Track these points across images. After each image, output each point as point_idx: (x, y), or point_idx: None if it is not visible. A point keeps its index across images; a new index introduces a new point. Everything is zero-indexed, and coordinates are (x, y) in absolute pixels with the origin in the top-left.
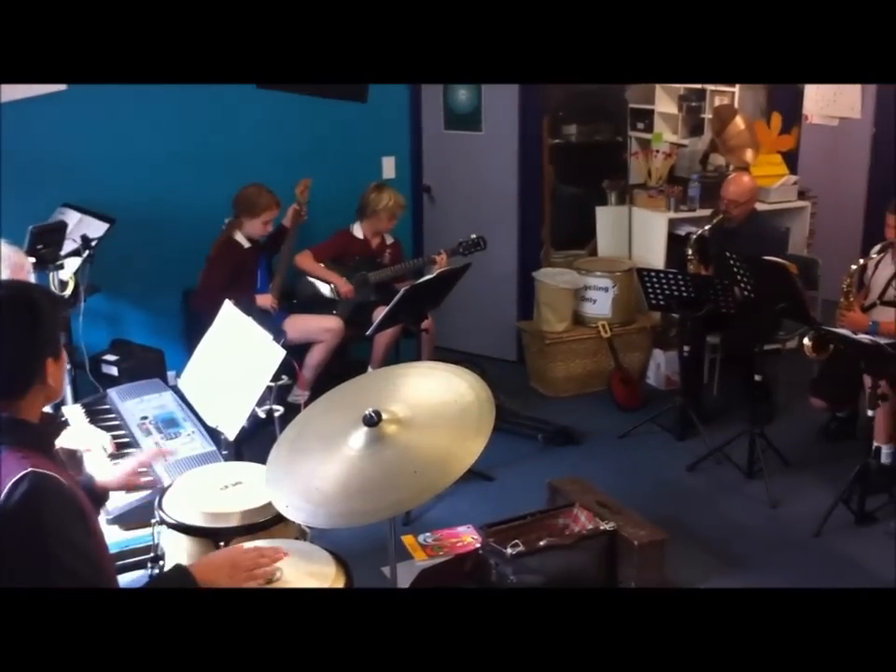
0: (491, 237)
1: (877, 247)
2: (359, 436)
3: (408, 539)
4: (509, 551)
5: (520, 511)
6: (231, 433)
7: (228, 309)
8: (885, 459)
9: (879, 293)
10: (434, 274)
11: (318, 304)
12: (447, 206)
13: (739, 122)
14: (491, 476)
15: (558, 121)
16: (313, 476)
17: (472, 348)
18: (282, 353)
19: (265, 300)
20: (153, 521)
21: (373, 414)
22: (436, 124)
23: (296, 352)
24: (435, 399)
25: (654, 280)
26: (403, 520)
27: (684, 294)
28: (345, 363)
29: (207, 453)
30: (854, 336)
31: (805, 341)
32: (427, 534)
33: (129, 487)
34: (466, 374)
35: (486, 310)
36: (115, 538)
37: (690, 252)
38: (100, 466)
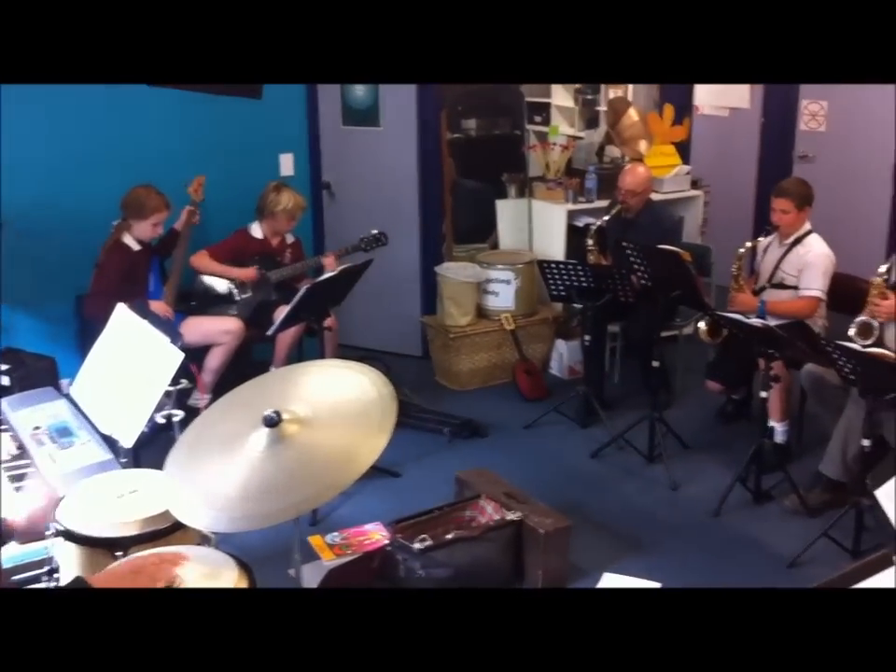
0: (392, 232)
1: (765, 231)
2: (260, 437)
3: (315, 540)
4: (416, 546)
5: (428, 505)
6: (127, 441)
7: (121, 313)
8: (779, 438)
9: (768, 276)
10: (336, 272)
11: (217, 305)
12: (347, 202)
13: (633, 114)
14: (398, 472)
15: (457, 116)
16: (213, 480)
17: (377, 344)
18: (179, 356)
19: (159, 306)
20: (48, 532)
21: (273, 415)
22: (334, 120)
23: (195, 355)
24: (337, 398)
25: (555, 271)
26: (310, 520)
27: (584, 284)
28: (247, 364)
29: (104, 461)
30: (746, 320)
31: (701, 325)
32: (335, 533)
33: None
34: (368, 371)
35: (390, 306)
36: (10, 552)
37: (590, 243)
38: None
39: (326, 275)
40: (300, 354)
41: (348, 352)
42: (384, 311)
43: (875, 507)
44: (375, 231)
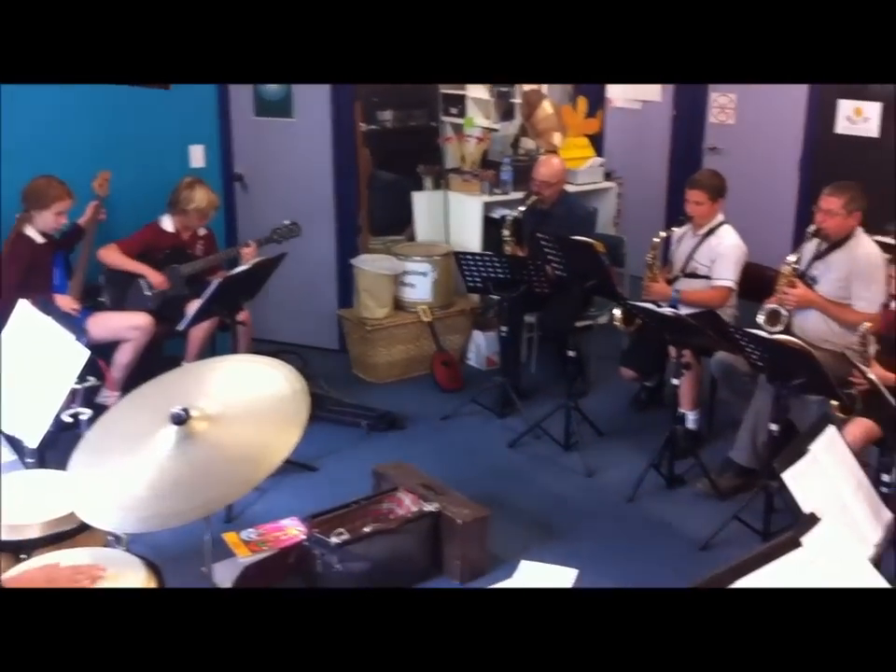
0: (307, 225)
1: (679, 221)
2: (168, 435)
3: (230, 537)
4: (333, 540)
5: (345, 499)
6: (32, 441)
7: (23, 309)
8: (690, 425)
9: (682, 266)
10: (249, 265)
11: (126, 300)
12: (261, 194)
13: (547, 107)
14: (314, 466)
15: (372, 107)
16: (119, 480)
17: (293, 338)
18: (85, 353)
19: (64, 301)
20: None
21: (181, 412)
22: (246, 111)
23: (103, 351)
24: (248, 393)
25: (471, 263)
26: (225, 517)
27: (500, 275)
28: (159, 360)
29: (8, 462)
30: (657, 309)
31: (616, 312)
32: (250, 529)
33: None
34: (279, 366)
35: (305, 299)
36: None
37: (506, 234)
38: None
39: (238, 269)
40: (212, 349)
41: (263, 346)
42: (299, 304)
43: (783, 489)
44: (288, 223)
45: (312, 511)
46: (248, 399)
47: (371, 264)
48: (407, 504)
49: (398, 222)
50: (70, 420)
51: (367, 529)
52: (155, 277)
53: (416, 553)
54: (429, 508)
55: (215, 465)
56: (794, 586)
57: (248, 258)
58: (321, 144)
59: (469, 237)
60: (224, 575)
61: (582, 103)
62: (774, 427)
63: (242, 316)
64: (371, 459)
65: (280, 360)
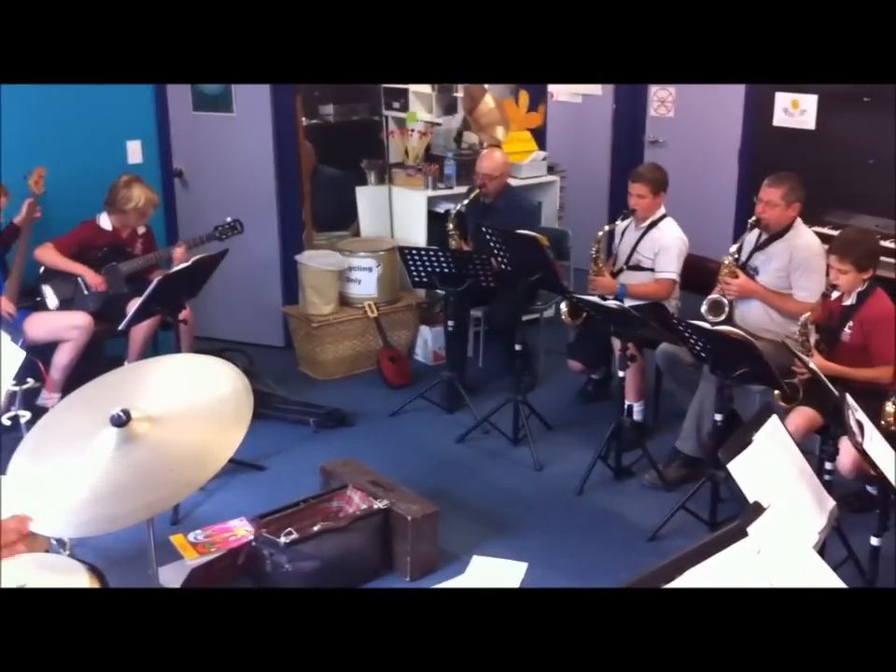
0: (250, 221)
1: (622, 215)
2: (109, 437)
3: (177, 539)
4: (282, 539)
5: (294, 498)
6: None
7: None
8: (636, 416)
9: (625, 258)
10: (190, 262)
11: (64, 300)
12: (201, 190)
13: (489, 101)
14: (262, 466)
15: (314, 101)
16: (59, 483)
17: (237, 336)
18: (21, 354)
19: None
20: None
21: (121, 414)
22: (184, 106)
23: (42, 352)
24: (190, 393)
25: (416, 258)
26: (171, 519)
27: (446, 270)
28: (100, 360)
29: None
30: (602, 302)
31: (563, 306)
32: (198, 531)
33: None
34: (222, 364)
35: (250, 296)
36: None
37: (450, 227)
38: None
39: (179, 266)
40: (155, 348)
41: (207, 344)
42: (243, 301)
43: (729, 479)
44: (230, 220)
45: (260, 511)
46: (191, 399)
47: (315, 260)
48: (356, 502)
49: (342, 218)
50: (9, 423)
51: (316, 528)
52: (92, 277)
53: (366, 550)
54: (379, 505)
55: (157, 467)
56: (740, 575)
57: (179, 259)
58: (262, 139)
59: (414, 232)
60: (171, 578)
61: (524, 97)
62: (718, 416)
63: (184, 315)
64: (319, 457)
65: (223, 359)
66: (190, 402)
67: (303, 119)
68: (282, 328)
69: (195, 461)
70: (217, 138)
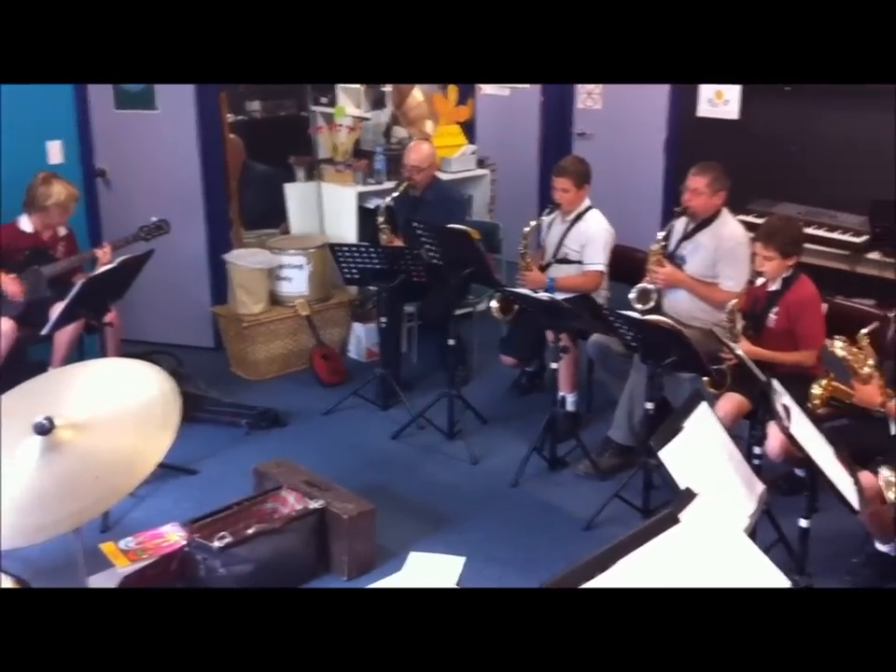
0: (176, 220)
1: (547, 209)
2: (32, 446)
3: (107, 547)
4: (216, 544)
5: (227, 501)
6: None
7: None
8: (570, 407)
9: (553, 252)
10: (114, 264)
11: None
12: (125, 190)
13: (417, 95)
14: (193, 469)
15: (239, 97)
16: None
17: (166, 338)
18: None
19: None
20: None
21: (45, 422)
22: (106, 104)
23: None
24: (115, 398)
25: (347, 254)
26: (101, 527)
27: (377, 266)
28: (23, 366)
29: None
30: (534, 295)
31: (493, 303)
32: (129, 538)
33: None
34: (148, 368)
35: (177, 297)
36: None
37: (380, 220)
38: None
39: (103, 268)
40: (80, 353)
41: (135, 347)
42: (171, 302)
43: (662, 466)
44: (156, 220)
45: (192, 516)
46: (117, 405)
47: (244, 259)
48: (291, 502)
49: (272, 215)
50: None
51: (250, 531)
52: (8, 286)
53: (302, 551)
54: (314, 505)
55: (83, 474)
56: (673, 562)
57: (103, 260)
58: (187, 136)
59: (345, 228)
60: (104, 586)
61: (453, 90)
62: (649, 405)
63: (109, 318)
64: (252, 459)
65: (150, 362)
66: (116, 407)
67: (229, 115)
68: (211, 328)
69: (122, 467)
70: (141, 136)
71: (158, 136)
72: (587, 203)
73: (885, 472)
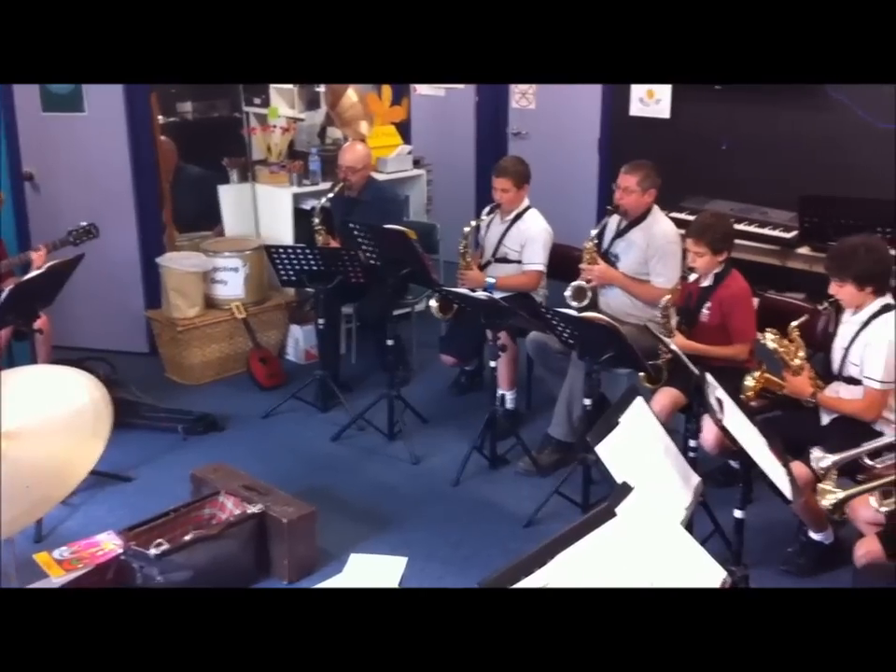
0: (107, 224)
1: (487, 209)
2: None
3: (41, 557)
4: (152, 551)
5: (164, 508)
6: None
7: None
8: (509, 405)
9: (492, 251)
10: (42, 269)
11: None
12: (54, 194)
13: (352, 95)
14: (129, 476)
15: (170, 99)
16: None
17: (99, 343)
18: None
19: None
20: None
21: None
22: (32, 106)
23: None
24: (45, 406)
25: (283, 256)
26: (34, 536)
27: (314, 267)
28: None
29: None
30: (472, 294)
31: (432, 302)
32: (63, 548)
33: None
34: (78, 374)
35: (110, 301)
36: None
37: (316, 221)
38: None
39: (31, 274)
40: (9, 360)
41: (67, 354)
42: (104, 307)
43: (600, 461)
44: (85, 223)
45: (129, 524)
46: (46, 412)
47: (178, 262)
48: (229, 508)
49: (206, 217)
50: None
51: (188, 537)
52: None
53: (241, 556)
54: (253, 509)
55: (13, 484)
56: (611, 555)
57: (38, 263)
58: (116, 139)
59: (281, 230)
60: None
61: (387, 91)
62: (587, 401)
63: (39, 324)
64: (189, 464)
65: (84, 368)
66: (46, 416)
67: (160, 117)
68: (146, 333)
69: (53, 476)
70: (69, 139)
71: (87, 139)
72: (526, 202)
73: (816, 453)
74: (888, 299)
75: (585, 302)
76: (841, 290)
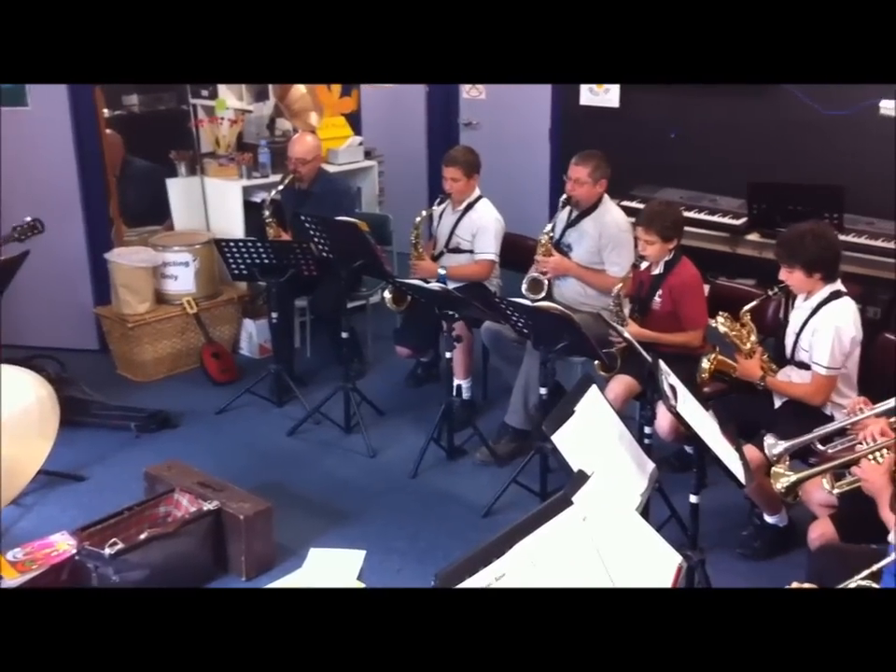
0: (53, 219)
1: (439, 199)
2: None
3: None
4: (107, 551)
5: (118, 507)
6: None
7: None
8: (465, 395)
9: (445, 242)
10: None
11: None
12: None
13: (301, 87)
14: (82, 476)
15: (117, 91)
16: None
17: (47, 342)
18: None
19: None
20: None
21: None
22: None
23: None
24: None
25: (234, 249)
26: None
27: (265, 261)
28: None
29: None
30: (425, 285)
31: (386, 294)
32: (17, 549)
33: None
34: (23, 373)
35: (58, 298)
36: None
37: (266, 214)
38: None
39: None
40: None
41: (14, 353)
42: (52, 304)
43: (556, 450)
44: (29, 219)
45: (82, 523)
46: None
47: (127, 257)
48: (185, 505)
49: (154, 212)
50: None
51: (142, 536)
52: None
53: (198, 554)
54: (208, 506)
55: None
56: (569, 543)
57: None
58: (61, 133)
59: (231, 223)
60: None
61: None
62: (543, 390)
63: None
64: (143, 462)
65: (31, 367)
66: None
67: (106, 110)
68: (95, 330)
69: (0, 477)
70: (12, 134)
71: (30, 134)
72: (477, 192)
73: (769, 440)
74: (837, 285)
75: (542, 295)
76: (791, 276)
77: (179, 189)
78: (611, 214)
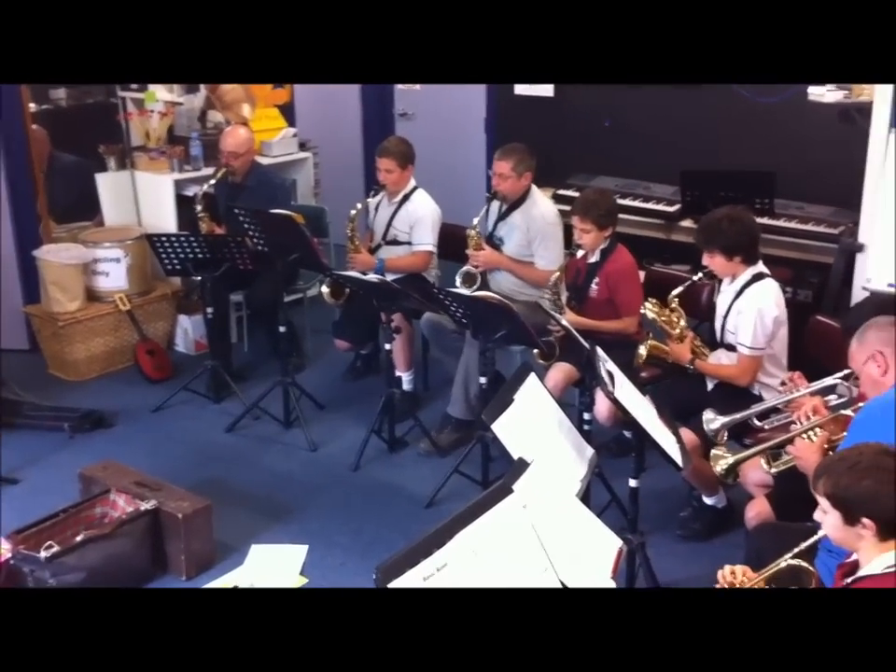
0: None
1: (374, 191)
2: None
3: None
4: (42, 554)
5: (53, 509)
6: None
7: None
8: (406, 386)
9: (382, 233)
10: None
11: None
12: None
13: None
14: (14, 479)
15: (44, 86)
16: None
17: None
18: None
19: None
20: None
21: None
22: None
23: None
24: None
25: (167, 244)
26: None
27: (199, 255)
28: None
29: None
30: (363, 277)
31: (324, 288)
32: None
33: None
34: None
35: None
36: None
37: (198, 209)
38: None
39: None
40: None
41: None
42: None
43: (497, 438)
44: None
45: (16, 527)
46: None
47: (56, 254)
48: (121, 505)
49: (83, 207)
50: None
51: (79, 538)
52: None
53: (136, 554)
54: (146, 506)
55: None
56: (510, 531)
57: None
58: None
59: (163, 218)
60: None
61: None
62: (483, 379)
63: None
64: (78, 463)
65: None
66: None
67: (32, 104)
68: (25, 329)
69: None
70: None
71: None
72: (413, 183)
73: (708, 415)
74: (759, 267)
75: (475, 287)
76: (712, 261)
77: (109, 184)
78: (539, 207)
